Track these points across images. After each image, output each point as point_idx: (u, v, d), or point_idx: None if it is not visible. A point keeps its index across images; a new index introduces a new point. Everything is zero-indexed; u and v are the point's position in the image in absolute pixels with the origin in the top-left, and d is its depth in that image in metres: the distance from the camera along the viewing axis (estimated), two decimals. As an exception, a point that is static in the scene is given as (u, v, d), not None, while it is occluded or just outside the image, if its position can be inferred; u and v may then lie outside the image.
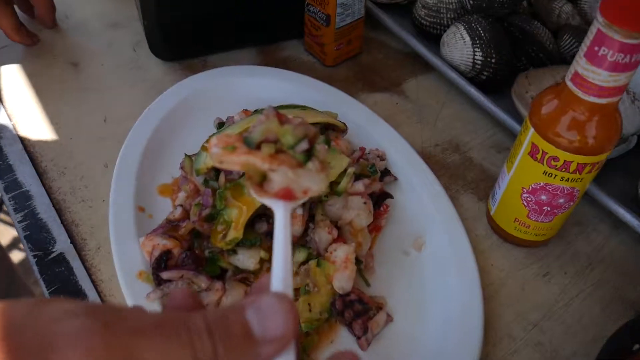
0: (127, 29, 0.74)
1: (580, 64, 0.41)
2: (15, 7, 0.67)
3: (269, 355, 0.24)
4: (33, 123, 0.62)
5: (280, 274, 0.27)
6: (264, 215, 0.50)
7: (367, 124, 0.61)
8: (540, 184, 0.47)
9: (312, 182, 0.31)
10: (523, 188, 0.49)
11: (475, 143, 0.65)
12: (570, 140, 0.44)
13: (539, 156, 0.46)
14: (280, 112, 0.33)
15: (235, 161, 0.30)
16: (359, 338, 0.47)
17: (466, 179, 0.61)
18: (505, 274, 0.54)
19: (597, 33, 0.39)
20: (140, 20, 0.69)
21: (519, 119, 0.62)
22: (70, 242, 0.52)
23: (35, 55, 0.69)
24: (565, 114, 0.44)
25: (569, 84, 0.43)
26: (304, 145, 0.31)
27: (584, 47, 0.41)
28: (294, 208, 0.31)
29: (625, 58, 0.39)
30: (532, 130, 0.46)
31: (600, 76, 0.40)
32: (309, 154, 0.31)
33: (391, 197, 0.55)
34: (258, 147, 0.31)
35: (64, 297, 0.48)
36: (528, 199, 0.49)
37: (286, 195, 0.30)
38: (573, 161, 0.44)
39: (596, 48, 0.39)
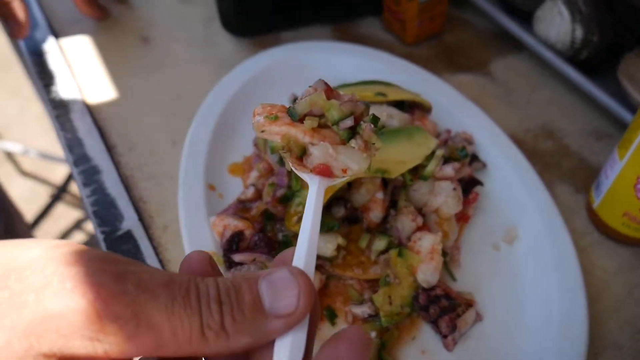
0: (198, 4, 0.71)
1: None
2: None
3: (277, 331, 0.23)
4: (103, 97, 0.60)
5: (304, 250, 0.26)
6: (342, 198, 0.46)
7: (452, 105, 0.56)
8: (662, 173, 0.41)
9: (353, 161, 0.29)
10: (639, 178, 0.43)
11: (572, 129, 0.58)
12: None
13: (663, 140, 0.40)
14: (330, 87, 0.31)
15: (276, 131, 0.30)
16: (445, 337, 0.42)
17: (562, 169, 0.55)
18: (609, 276, 0.48)
19: None
20: (213, -7, 0.66)
21: (626, 103, 0.55)
22: (139, 220, 0.49)
23: (106, 30, 0.67)
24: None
25: None
26: (348, 122, 0.30)
27: None
28: (329, 185, 0.30)
29: None
30: (656, 110, 0.40)
31: None
32: (353, 132, 0.30)
33: (481, 184, 0.49)
34: (302, 120, 0.30)
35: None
36: (644, 190, 0.43)
37: (323, 171, 0.29)
38: None
39: None
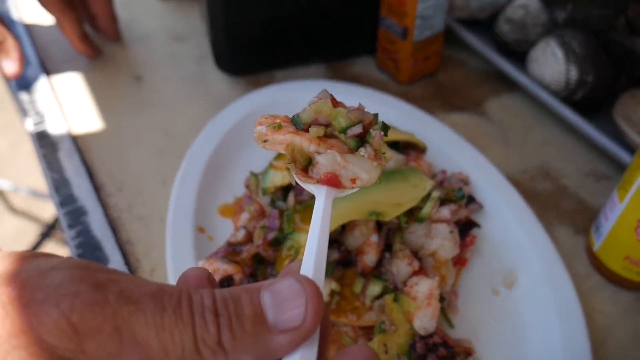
0: (191, 42, 0.71)
1: None
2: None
3: (282, 348, 0.20)
4: (93, 136, 0.59)
5: (312, 260, 0.23)
6: (335, 242, 0.45)
7: (447, 145, 0.55)
8: (664, 216, 0.40)
9: (363, 170, 0.28)
10: (639, 220, 0.42)
11: (569, 170, 0.58)
12: None
13: (665, 183, 0.39)
14: (334, 97, 0.30)
15: (280, 140, 0.28)
16: (443, 388, 0.40)
17: (560, 210, 0.54)
18: (612, 321, 0.46)
19: None
20: (207, 32, 0.66)
21: (624, 143, 0.54)
22: (125, 263, 0.48)
23: (98, 68, 0.67)
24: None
25: None
26: (356, 130, 0.28)
27: None
28: (337, 196, 0.28)
29: None
30: (656, 152, 0.39)
31: None
32: (362, 141, 0.28)
33: (478, 226, 0.48)
34: (306, 129, 0.28)
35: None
36: (646, 233, 0.42)
37: (331, 180, 0.27)
38: None
39: None
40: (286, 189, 0.46)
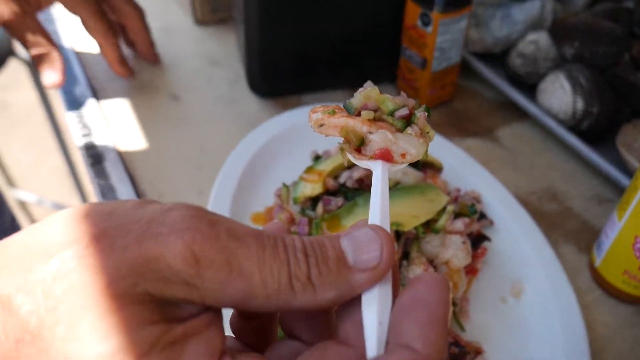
0: (226, 67, 0.77)
1: None
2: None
3: (362, 284, 0.23)
4: (135, 149, 0.64)
5: (378, 212, 0.26)
6: (358, 248, 0.49)
7: (462, 166, 0.60)
8: (658, 233, 0.44)
9: (411, 146, 0.30)
10: (637, 237, 0.46)
11: (575, 193, 0.62)
12: (695, 187, 0.41)
13: (658, 202, 0.43)
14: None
15: (335, 123, 0.31)
16: (454, 384, 0.44)
17: (565, 229, 0.58)
18: (611, 331, 0.50)
19: None
20: (241, 57, 0.72)
21: (625, 170, 0.59)
22: (165, 262, 0.52)
23: (140, 88, 0.73)
24: (690, 159, 0.41)
25: (696, 126, 0.40)
26: (403, 112, 0.31)
27: None
28: (392, 171, 0.31)
29: None
30: (650, 174, 0.44)
31: None
32: (408, 122, 0.31)
33: (489, 239, 0.52)
34: (358, 114, 0.31)
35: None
36: (642, 249, 0.46)
37: (384, 155, 0.30)
38: (699, 209, 0.42)
39: None
40: (315, 199, 0.51)
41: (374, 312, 0.23)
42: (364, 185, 0.52)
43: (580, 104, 0.64)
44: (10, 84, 2.17)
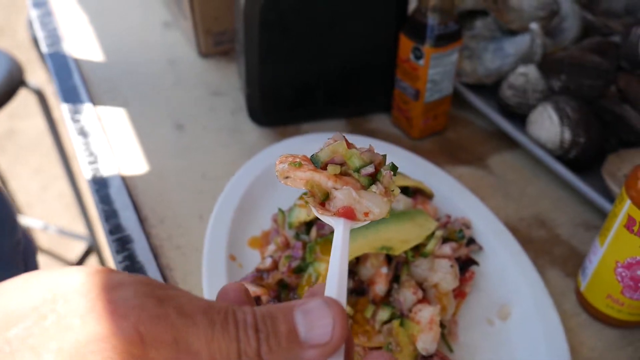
0: (227, 97, 0.80)
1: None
2: None
3: None
4: (139, 175, 0.67)
5: (335, 283, 0.27)
6: (350, 272, 0.51)
7: (452, 194, 0.62)
8: (636, 258, 0.46)
9: (375, 205, 0.31)
10: (617, 262, 0.48)
11: (562, 220, 0.64)
12: (669, 213, 0.43)
13: (635, 228, 0.45)
14: (347, 139, 0.33)
15: (301, 176, 0.32)
16: (441, 403, 0.45)
17: (553, 255, 0.60)
18: (597, 354, 0.51)
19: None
20: (242, 88, 0.75)
21: (610, 198, 0.61)
22: (165, 284, 0.55)
23: (145, 116, 0.76)
24: (664, 186, 0.43)
25: (668, 155, 0.43)
26: (369, 169, 0.32)
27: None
28: (352, 227, 0.31)
29: None
30: (628, 202, 0.46)
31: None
32: (373, 179, 0.32)
33: (477, 264, 0.54)
34: (324, 167, 0.32)
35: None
36: (622, 274, 0.48)
37: (347, 213, 0.31)
38: (673, 234, 0.44)
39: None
40: (309, 224, 0.53)
41: None
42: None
43: (567, 134, 0.66)
44: (19, 112, 2.22)
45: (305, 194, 0.33)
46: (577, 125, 0.66)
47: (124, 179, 0.66)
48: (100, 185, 0.65)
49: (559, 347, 0.49)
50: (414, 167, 0.65)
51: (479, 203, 0.62)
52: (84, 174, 0.67)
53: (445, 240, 0.53)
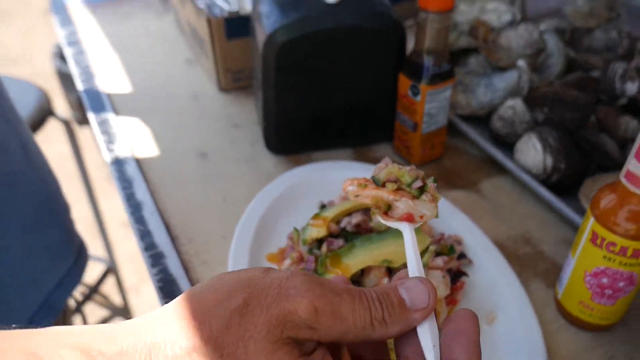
0: (246, 128, 0.89)
1: (632, 164, 0.49)
2: None
3: (417, 320, 0.33)
4: (169, 198, 0.75)
5: (416, 267, 0.36)
6: (356, 282, 0.59)
7: (447, 215, 0.70)
8: (601, 267, 0.54)
9: (426, 210, 0.40)
10: (586, 272, 0.56)
11: (546, 239, 0.72)
12: (626, 229, 0.51)
13: (598, 242, 0.53)
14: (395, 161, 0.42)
15: (368, 194, 0.40)
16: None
17: (537, 269, 0.68)
18: (573, 355, 0.58)
19: (643, 139, 0.48)
20: (259, 121, 0.84)
21: (586, 217, 0.69)
22: (195, 294, 0.63)
23: (170, 146, 0.85)
24: (621, 206, 0.51)
25: (623, 180, 0.51)
26: (418, 183, 0.40)
27: (634, 150, 0.49)
28: (414, 227, 0.40)
29: (668, 160, 0.47)
30: (592, 219, 0.53)
31: (648, 174, 0.48)
32: (421, 190, 0.40)
33: (466, 275, 0.62)
34: (383, 185, 0.40)
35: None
36: (591, 282, 0.56)
37: (409, 218, 0.40)
38: (629, 247, 0.51)
39: (643, 151, 0.48)
40: (320, 241, 0.62)
41: (428, 338, 0.33)
42: (360, 229, 0.63)
43: (549, 161, 0.74)
44: (46, 139, 2.33)
45: (368, 208, 0.41)
46: (558, 153, 0.74)
47: (155, 202, 0.75)
48: (134, 208, 0.74)
49: (538, 349, 0.56)
50: (412, 191, 0.73)
51: (470, 223, 0.70)
52: (121, 198, 0.75)
53: (437, 254, 0.61)
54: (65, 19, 1.24)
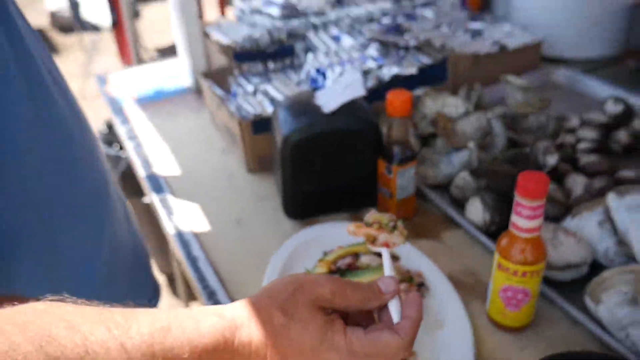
0: (269, 200, 1.20)
1: (514, 217, 0.79)
2: None
3: (388, 298, 0.56)
4: (215, 252, 1.06)
5: (389, 270, 0.61)
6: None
7: (414, 258, 0.99)
8: (506, 285, 0.82)
9: (397, 240, 0.67)
10: (498, 289, 0.84)
11: (485, 271, 1.00)
12: (516, 259, 0.80)
13: (503, 268, 0.82)
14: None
15: (362, 232, 0.68)
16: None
17: (477, 292, 0.96)
18: (498, 347, 0.86)
19: (516, 202, 0.77)
20: (279, 194, 1.15)
21: (511, 255, 0.97)
22: (239, 316, 0.92)
23: (215, 215, 1.16)
24: (512, 244, 0.80)
25: (511, 227, 0.80)
26: (392, 223, 0.68)
27: (513, 208, 0.78)
28: (390, 250, 0.67)
29: (532, 212, 0.76)
30: (497, 254, 0.82)
31: (522, 222, 0.77)
32: (394, 227, 0.68)
33: (424, 285, 0.91)
34: (370, 225, 0.68)
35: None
36: (502, 296, 0.84)
37: (386, 245, 0.67)
38: (519, 270, 0.80)
39: (519, 209, 0.77)
40: (323, 276, 0.91)
41: (396, 310, 0.55)
42: (351, 267, 0.92)
43: (487, 216, 1.03)
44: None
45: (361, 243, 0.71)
46: (494, 210, 1.04)
47: (206, 254, 1.05)
48: (192, 261, 1.04)
49: (469, 343, 0.84)
50: (390, 241, 1.03)
51: (430, 263, 0.98)
52: (178, 254, 1.06)
53: (402, 281, 0.90)
54: (124, 119, 1.59)
